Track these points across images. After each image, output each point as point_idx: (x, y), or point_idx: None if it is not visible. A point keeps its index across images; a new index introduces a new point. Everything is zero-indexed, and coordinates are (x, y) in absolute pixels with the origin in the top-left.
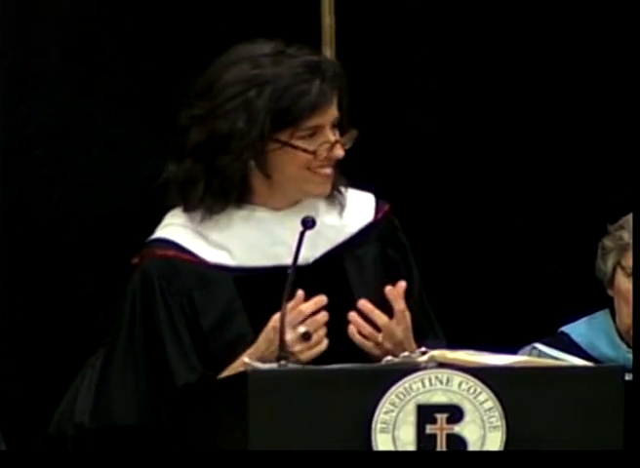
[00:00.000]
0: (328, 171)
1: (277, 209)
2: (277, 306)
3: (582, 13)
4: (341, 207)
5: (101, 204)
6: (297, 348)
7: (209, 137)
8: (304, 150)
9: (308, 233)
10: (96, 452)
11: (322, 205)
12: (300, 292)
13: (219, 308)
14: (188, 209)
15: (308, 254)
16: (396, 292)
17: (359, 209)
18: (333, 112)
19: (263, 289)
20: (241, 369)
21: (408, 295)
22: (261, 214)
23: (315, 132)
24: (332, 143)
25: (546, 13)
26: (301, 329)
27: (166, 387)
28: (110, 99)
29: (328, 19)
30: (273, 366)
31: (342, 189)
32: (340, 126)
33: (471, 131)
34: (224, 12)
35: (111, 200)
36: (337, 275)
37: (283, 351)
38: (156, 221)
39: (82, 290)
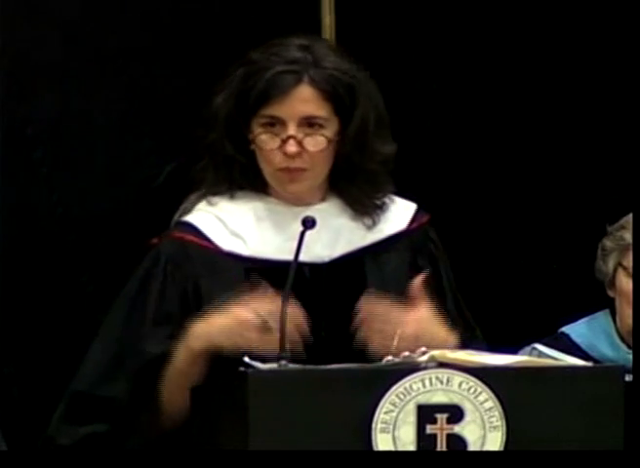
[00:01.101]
0: (286, 165)
1: (298, 204)
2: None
3: (582, 13)
4: (371, 211)
5: (101, 204)
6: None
7: (205, 112)
8: (245, 130)
9: (328, 232)
10: (96, 453)
11: (348, 207)
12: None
13: (224, 297)
14: (206, 192)
15: (324, 253)
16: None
17: (394, 216)
18: (301, 108)
19: (272, 283)
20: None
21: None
22: (281, 209)
23: (274, 123)
24: (285, 138)
25: (546, 13)
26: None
27: (133, 360)
28: (110, 99)
29: (328, 19)
30: (273, 366)
31: (379, 194)
32: (343, 135)
33: (471, 131)
34: (225, 12)
35: (111, 200)
36: (355, 277)
37: (283, 351)
38: (156, 221)
39: (82, 289)
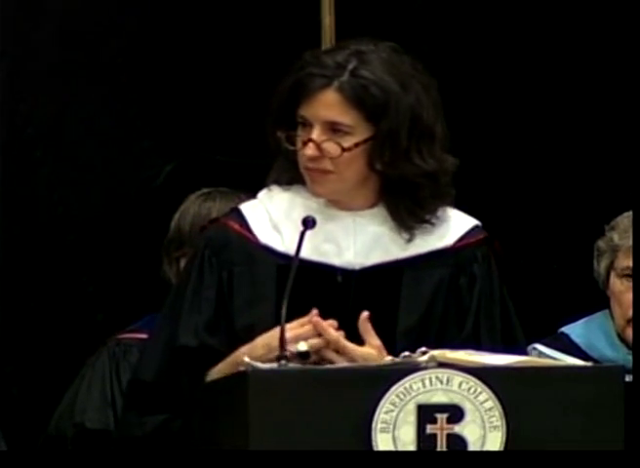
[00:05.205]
0: (307, 165)
1: (342, 208)
2: (309, 302)
3: (582, 13)
4: (411, 225)
5: (101, 204)
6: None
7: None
8: (276, 132)
9: (364, 239)
10: (96, 453)
11: (391, 218)
12: (315, 311)
13: (253, 289)
14: (268, 182)
15: (355, 261)
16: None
17: (443, 232)
18: (325, 113)
19: (300, 282)
20: (240, 368)
21: (459, 327)
22: (324, 210)
23: (305, 124)
24: (306, 140)
25: (546, 12)
26: (302, 346)
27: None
28: (110, 100)
29: (328, 19)
30: (273, 366)
31: (425, 209)
32: (375, 146)
33: (471, 132)
34: (225, 11)
35: (111, 200)
36: (387, 287)
37: (283, 351)
38: (156, 221)
39: (82, 289)
